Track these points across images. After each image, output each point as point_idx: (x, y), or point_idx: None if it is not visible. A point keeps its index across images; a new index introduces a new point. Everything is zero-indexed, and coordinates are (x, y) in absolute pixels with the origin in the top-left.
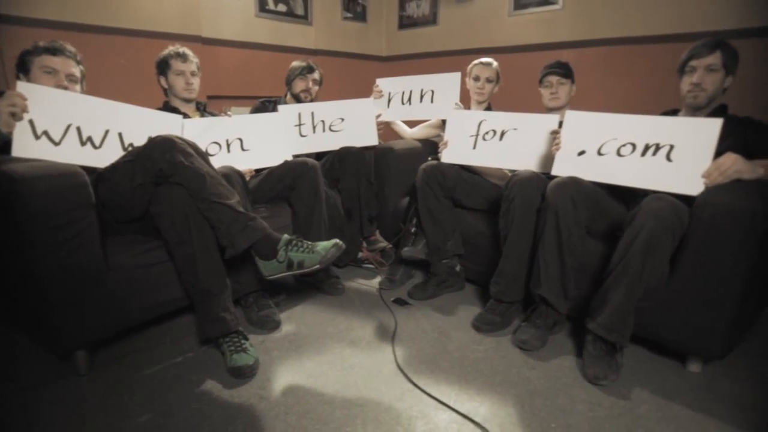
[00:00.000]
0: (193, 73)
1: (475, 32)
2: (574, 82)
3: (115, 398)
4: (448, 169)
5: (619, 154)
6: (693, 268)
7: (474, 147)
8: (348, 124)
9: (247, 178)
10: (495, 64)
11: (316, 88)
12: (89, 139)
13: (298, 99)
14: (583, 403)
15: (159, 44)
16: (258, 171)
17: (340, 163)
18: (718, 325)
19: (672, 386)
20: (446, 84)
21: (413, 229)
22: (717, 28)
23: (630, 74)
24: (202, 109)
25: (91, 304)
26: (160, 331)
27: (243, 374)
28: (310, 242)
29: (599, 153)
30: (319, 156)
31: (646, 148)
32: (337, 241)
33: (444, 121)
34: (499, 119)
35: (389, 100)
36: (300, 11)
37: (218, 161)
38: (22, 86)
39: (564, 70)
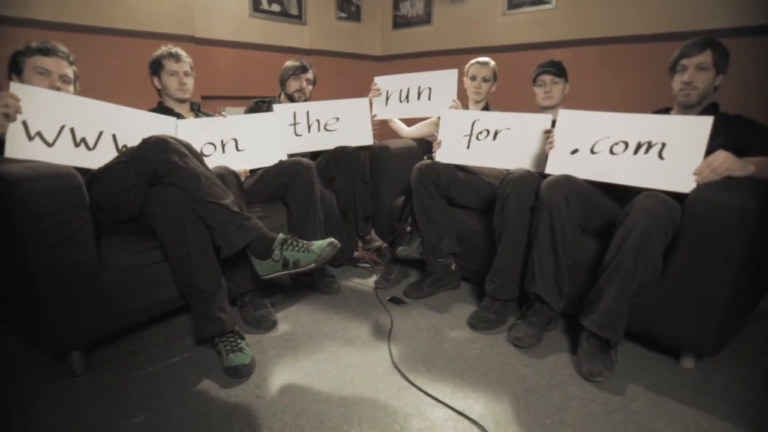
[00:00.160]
0: (186, 73)
1: (469, 32)
2: (568, 81)
3: (111, 399)
4: (443, 168)
5: (611, 152)
6: (685, 265)
7: (468, 147)
8: (343, 123)
9: (242, 179)
10: (492, 63)
11: (310, 87)
12: (83, 140)
13: (291, 99)
14: (577, 399)
15: (152, 44)
16: (253, 171)
17: (336, 163)
18: (711, 321)
19: (666, 382)
20: (443, 81)
21: (408, 228)
22: (710, 27)
23: (623, 73)
24: (197, 110)
25: (86, 304)
26: (155, 332)
27: (239, 374)
28: (305, 241)
29: (592, 151)
30: (314, 155)
31: (639, 146)
32: (333, 240)
33: None
34: (492, 119)
35: (387, 98)
36: (294, 11)
37: (213, 162)
38: (16, 87)
39: (557, 69)
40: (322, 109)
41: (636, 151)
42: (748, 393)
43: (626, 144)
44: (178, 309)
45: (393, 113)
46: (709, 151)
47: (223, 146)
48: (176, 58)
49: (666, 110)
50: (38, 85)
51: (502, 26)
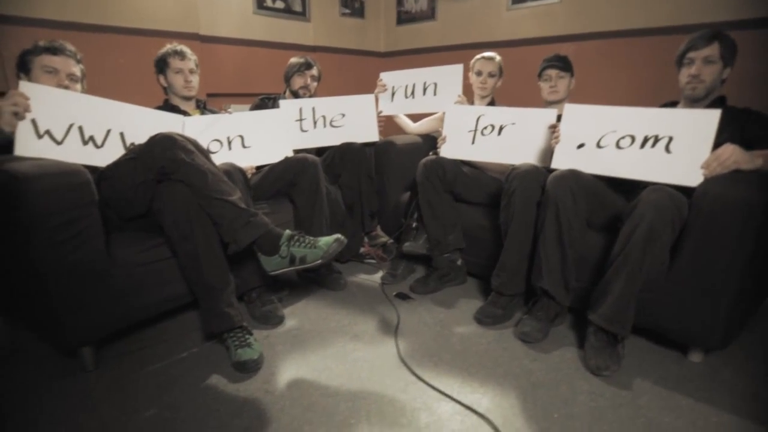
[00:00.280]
0: (191, 71)
1: (473, 27)
2: (573, 76)
3: (122, 393)
4: (449, 163)
5: (618, 146)
6: (693, 259)
7: (472, 142)
8: (349, 119)
9: (249, 175)
10: (498, 58)
11: (315, 84)
12: (91, 138)
13: (296, 96)
14: (585, 393)
15: (157, 42)
16: (259, 168)
17: (341, 159)
18: (719, 315)
19: (673, 376)
20: (449, 76)
21: (414, 224)
22: (715, 19)
23: (629, 67)
24: (202, 107)
25: (95, 300)
26: (164, 327)
27: (248, 369)
28: (312, 238)
29: (598, 146)
30: (319, 152)
31: (645, 140)
32: (339, 236)
33: None
34: (497, 114)
35: (393, 94)
36: (298, 8)
37: (219, 159)
38: (25, 86)
39: (563, 64)
40: (328, 105)
41: (643, 145)
42: (756, 387)
43: (633, 138)
44: (187, 305)
45: (398, 109)
46: (717, 144)
47: (229, 143)
48: (181, 55)
49: (673, 104)
50: (46, 83)
51: (507, 21)
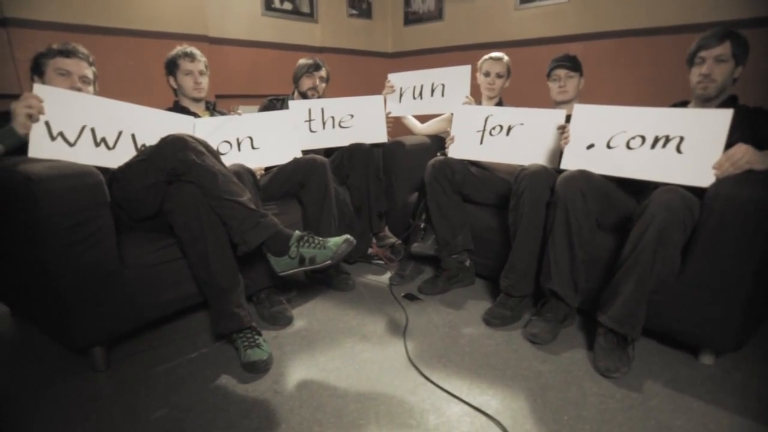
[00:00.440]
0: (201, 73)
1: (481, 27)
2: (583, 76)
3: (132, 393)
4: (457, 164)
5: (628, 146)
6: (704, 260)
7: (481, 142)
8: (358, 120)
9: (258, 176)
10: (506, 58)
11: (323, 85)
12: (103, 140)
13: (305, 97)
14: (594, 395)
15: (166, 44)
16: (268, 169)
17: (350, 160)
18: (731, 317)
19: (684, 378)
20: (457, 77)
21: (422, 225)
22: (725, 18)
23: (638, 66)
24: (212, 109)
25: (107, 301)
26: (174, 328)
27: (257, 369)
28: (321, 238)
29: (608, 146)
30: (328, 152)
31: (656, 140)
32: (348, 236)
33: None
34: (505, 114)
35: (401, 95)
36: (306, 9)
37: (229, 160)
38: (39, 88)
39: (572, 64)
40: (336, 105)
41: (653, 146)
42: None
43: (643, 138)
44: (197, 305)
45: (407, 110)
46: (729, 144)
47: (239, 144)
48: (191, 57)
49: (683, 103)
50: (59, 86)
51: (515, 21)
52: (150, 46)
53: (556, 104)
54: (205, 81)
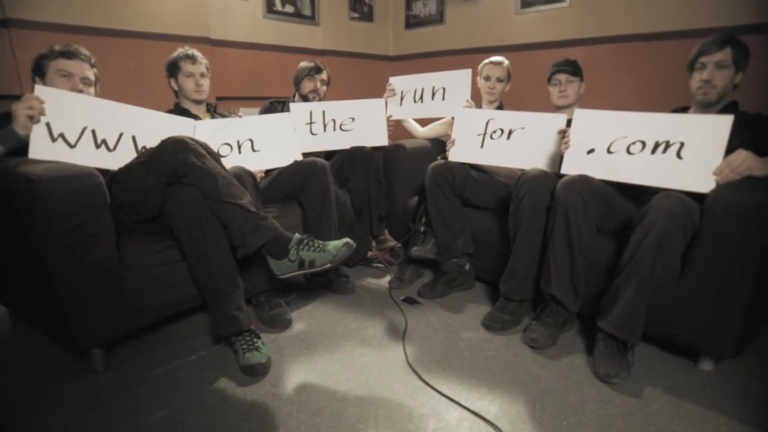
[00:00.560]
0: (202, 75)
1: (482, 31)
2: (583, 80)
3: (131, 395)
4: (457, 168)
5: (628, 152)
6: (704, 266)
7: (481, 146)
8: (359, 123)
9: (258, 179)
10: (506, 63)
11: (324, 88)
12: (104, 141)
13: (306, 99)
14: (594, 401)
15: (167, 46)
16: (268, 172)
17: (350, 163)
18: (730, 323)
19: (684, 384)
20: (457, 81)
21: (422, 228)
22: (726, 23)
23: (639, 71)
24: (213, 111)
25: (106, 302)
26: (173, 330)
27: (256, 372)
28: (321, 241)
29: (609, 151)
30: (328, 155)
31: (656, 145)
32: (348, 240)
33: None
34: (506, 118)
35: (402, 99)
36: (307, 12)
37: (229, 162)
38: (40, 90)
39: (573, 68)
40: (338, 108)
41: (654, 151)
42: None
43: (643, 144)
44: (196, 307)
45: (407, 113)
46: (729, 150)
47: (239, 147)
48: (193, 59)
49: (684, 109)
50: (61, 87)
51: (516, 25)
52: (151, 47)
53: (557, 109)
54: (206, 83)
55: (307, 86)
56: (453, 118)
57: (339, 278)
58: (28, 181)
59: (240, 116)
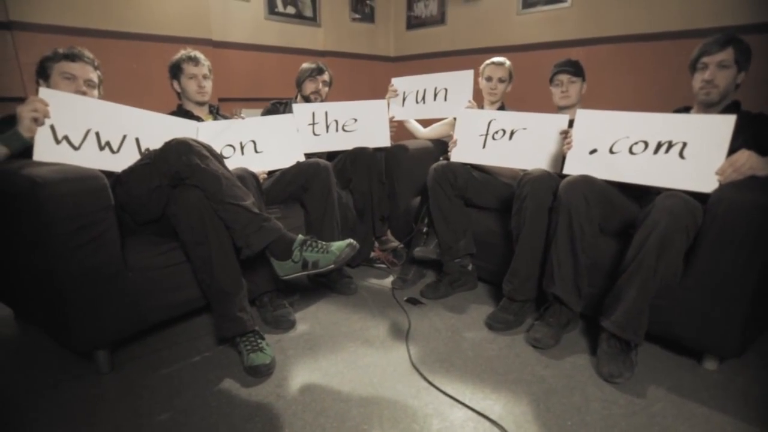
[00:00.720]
0: (205, 76)
1: (483, 31)
2: (585, 81)
3: (136, 396)
4: (460, 168)
5: (631, 152)
6: (707, 265)
7: (483, 146)
8: (361, 124)
9: (261, 180)
10: (508, 63)
11: (326, 89)
12: (107, 143)
13: (308, 100)
14: (598, 401)
15: (170, 48)
16: (270, 173)
17: (353, 164)
18: (734, 323)
19: (687, 384)
20: (459, 82)
21: (425, 229)
22: (728, 23)
23: (641, 71)
24: (215, 112)
25: (111, 304)
26: (177, 331)
27: (260, 373)
28: (324, 242)
29: (611, 151)
30: (330, 156)
31: (659, 145)
32: (351, 240)
33: None
34: (508, 119)
35: (404, 99)
36: (309, 13)
37: (232, 163)
38: (44, 92)
39: (574, 69)
40: (340, 109)
41: (656, 151)
42: None
43: (646, 144)
44: (200, 309)
45: (409, 114)
46: (732, 150)
47: (242, 148)
48: (195, 61)
49: (686, 109)
50: (65, 89)
51: (517, 26)
52: (154, 49)
53: (559, 109)
54: (208, 85)
55: (309, 87)
56: (455, 118)
57: (342, 279)
58: (33, 183)
59: (242, 117)
